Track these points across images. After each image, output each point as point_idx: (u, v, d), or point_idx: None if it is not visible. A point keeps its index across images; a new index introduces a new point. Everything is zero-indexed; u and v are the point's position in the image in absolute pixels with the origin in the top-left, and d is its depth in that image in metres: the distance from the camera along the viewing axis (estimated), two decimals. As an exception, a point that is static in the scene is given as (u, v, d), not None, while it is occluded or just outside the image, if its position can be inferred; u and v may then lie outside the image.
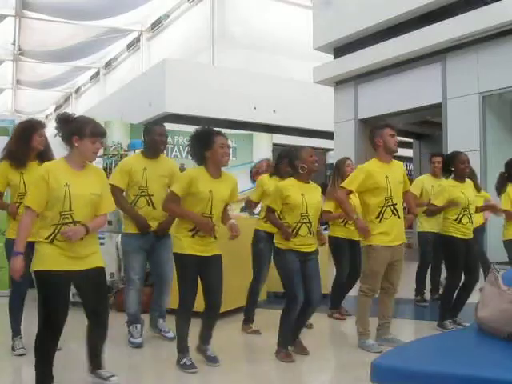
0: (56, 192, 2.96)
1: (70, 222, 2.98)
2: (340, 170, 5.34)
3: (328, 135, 13.33)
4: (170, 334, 4.36)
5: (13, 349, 3.95)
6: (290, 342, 4.02)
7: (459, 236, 4.72)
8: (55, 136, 3.19)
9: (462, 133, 9.61)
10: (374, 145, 4.25)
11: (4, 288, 6.59)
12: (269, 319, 4.97)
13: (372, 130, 4.34)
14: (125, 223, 4.48)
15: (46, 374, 3.01)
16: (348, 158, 5.53)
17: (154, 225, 4.27)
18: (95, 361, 3.26)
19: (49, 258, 2.97)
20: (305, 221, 3.93)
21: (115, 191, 4.04)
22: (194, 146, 3.76)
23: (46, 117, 31.80)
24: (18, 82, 25.26)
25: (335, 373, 3.96)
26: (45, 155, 3.96)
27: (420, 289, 6.15)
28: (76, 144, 3.04)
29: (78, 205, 3.00)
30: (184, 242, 3.66)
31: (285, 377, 3.78)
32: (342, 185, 4.32)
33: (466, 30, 9.21)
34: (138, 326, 4.32)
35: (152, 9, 19.05)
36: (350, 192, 4.24)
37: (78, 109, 28.57)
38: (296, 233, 3.92)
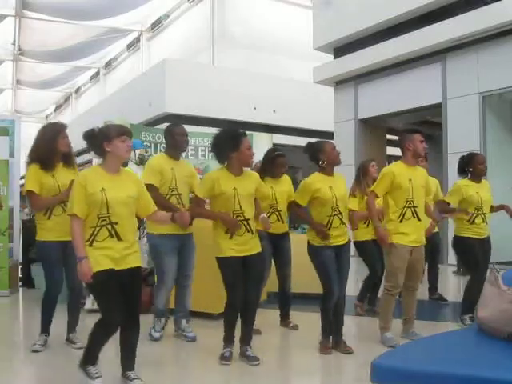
0: (93, 197, 3.11)
1: (108, 224, 3.13)
2: (366, 170, 5.50)
3: (328, 135, 13.30)
4: (192, 335, 4.42)
5: (34, 343, 4.11)
6: (329, 336, 4.11)
7: (473, 236, 4.82)
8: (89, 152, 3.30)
9: (461, 133, 9.61)
10: (404, 148, 4.36)
11: (4, 288, 6.61)
12: (269, 319, 4.98)
13: (403, 135, 4.45)
14: (156, 224, 4.43)
15: (93, 358, 3.20)
16: (373, 160, 5.67)
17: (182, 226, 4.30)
18: (128, 362, 3.29)
19: (91, 261, 3.08)
20: (336, 213, 4.03)
21: (152, 190, 4.05)
22: (220, 146, 3.81)
23: (46, 117, 31.85)
24: (18, 82, 25.27)
25: (335, 373, 3.96)
26: (69, 157, 4.13)
27: (433, 287, 6.21)
28: (108, 149, 3.18)
29: (115, 207, 3.13)
30: (223, 245, 3.74)
31: (284, 376, 3.78)
32: (371, 189, 4.42)
33: (466, 30, 9.21)
34: (163, 319, 4.46)
35: (152, 9, 19.06)
36: (378, 196, 4.35)
37: (78, 109, 28.63)
38: (330, 226, 4.01)
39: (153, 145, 8.08)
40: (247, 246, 3.78)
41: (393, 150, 13.02)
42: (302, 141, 15.91)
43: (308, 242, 4.15)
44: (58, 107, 32.57)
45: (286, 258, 4.89)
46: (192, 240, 4.42)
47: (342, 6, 11.74)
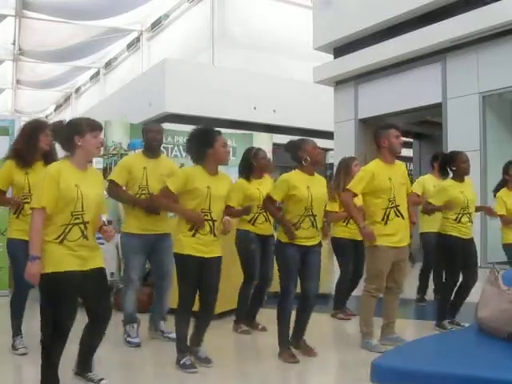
0: (67, 192, 2.96)
1: (81, 223, 3.00)
2: (348, 169, 5.25)
3: (328, 135, 13.32)
4: (173, 335, 4.32)
5: (14, 348, 3.95)
6: (290, 341, 4.00)
7: (458, 235, 4.71)
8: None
9: (461, 133, 9.61)
10: (379, 145, 4.22)
11: (4, 288, 6.60)
12: (269, 319, 4.97)
13: (377, 131, 4.31)
14: (125, 222, 4.45)
15: (51, 377, 3.00)
16: (355, 158, 5.51)
17: (154, 223, 4.24)
18: (86, 363, 3.22)
19: (58, 259, 2.94)
20: (308, 214, 3.92)
21: (114, 186, 4.18)
22: (195, 143, 3.75)
23: (46, 117, 31.78)
24: (18, 81, 25.25)
25: (335, 373, 3.96)
26: (50, 155, 3.98)
27: (422, 288, 6.16)
28: (79, 143, 3.03)
29: (88, 205, 3.03)
30: (184, 242, 3.63)
31: (284, 377, 3.78)
32: (347, 187, 4.28)
33: (465, 30, 9.20)
34: (135, 325, 4.30)
35: (152, 9, 19.06)
36: (356, 195, 4.23)
37: (78, 109, 28.61)
38: (298, 226, 3.90)
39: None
40: (208, 247, 3.66)
41: (393, 150, 13.04)
42: (301, 141, 15.98)
43: (276, 238, 4.09)
44: (58, 107, 32.55)
45: (271, 260, 4.75)
46: (167, 239, 4.26)
47: (342, 6, 11.73)
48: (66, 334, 2.98)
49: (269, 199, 4.05)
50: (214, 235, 3.69)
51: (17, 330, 4.01)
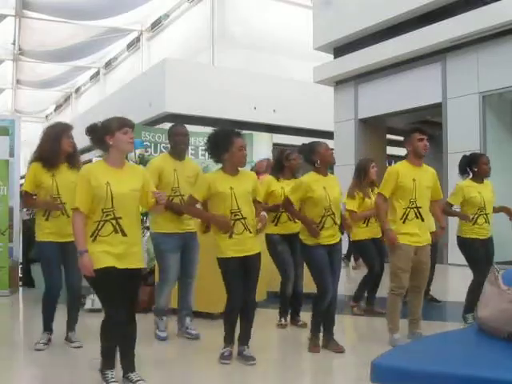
0: (97, 190, 3.09)
1: (112, 219, 3.11)
2: (365, 171, 5.45)
3: (328, 135, 13.31)
4: (195, 332, 4.46)
5: (37, 342, 4.14)
6: (319, 331, 4.14)
7: (476, 237, 4.83)
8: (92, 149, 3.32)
9: (461, 133, 9.61)
10: (407, 149, 4.36)
11: (4, 288, 6.61)
12: (268, 319, 4.98)
13: (404, 137, 4.45)
14: (156, 223, 4.47)
15: (107, 358, 3.17)
16: (373, 160, 5.63)
17: (184, 221, 4.34)
18: (125, 363, 3.26)
19: (95, 257, 3.07)
20: (329, 213, 4.05)
21: None
22: (213, 148, 3.84)
23: (46, 117, 31.85)
24: (18, 81, 25.26)
25: (335, 373, 3.96)
26: (73, 157, 4.15)
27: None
28: (110, 142, 3.17)
29: (119, 202, 3.12)
30: (222, 246, 3.75)
31: (284, 376, 3.78)
32: (379, 190, 4.37)
33: (465, 30, 9.21)
34: (164, 318, 4.48)
35: (152, 9, 19.05)
36: (387, 198, 4.31)
37: (78, 109, 28.62)
38: (322, 226, 4.02)
39: (153, 145, 8.08)
40: (246, 245, 3.77)
41: (393, 150, 13.04)
42: (302, 141, 15.89)
43: (300, 242, 4.16)
44: (58, 107, 32.55)
45: (299, 258, 4.82)
46: (195, 239, 4.44)
47: (342, 6, 11.73)
48: (115, 323, 3.09)
49: (288, 201, 4.19)
50: (250, 232, 3.79)
51: (45, 326, 4.19)
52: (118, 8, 17.59)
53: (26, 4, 17.59)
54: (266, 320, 4.90)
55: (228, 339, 3.85)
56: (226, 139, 3.76)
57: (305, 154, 4.19)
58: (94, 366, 3.32)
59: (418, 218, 4.19)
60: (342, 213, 4.37)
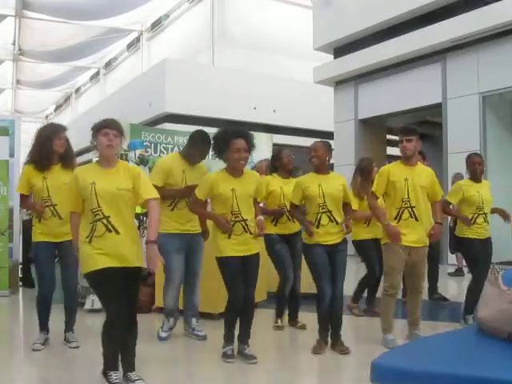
0: (84, 191, 3.12)
1: (102, 218, 3.10)
2: (369, 171, 5.44)
3: (328, 135, 13.32)
4: (202, 333, 4.46)
5: (34, 342, 4.15)
6: (325, 333, 4.11)
7: (475, 237, 4.82)
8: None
9: (462, 133, 9.61)
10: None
11: (4, 288, 6.61)
12: (268, 319, 4.98)
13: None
14: (162, 223, 4.43)
15: (109, 359, 3.15)
16: (373, 161, 5.63)
17: (190, 225, 4.34)
18: (126, 362, 3.26)
19: (89, 259, 3.09)
20: (324, 210, 4.05)
21: (157, 189, 4.17)
22: (214, 147, 3.88)
23: (46, 117, 31.87)
24: (18, 82, 25.28)
25: (335, 373, 3.95)
26: (67, 158, 4.13)
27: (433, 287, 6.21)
28: (94, 143, 3.20)
29: (105, 200, 3.11)
30: (222, 245, 3.76)
31: (285, 376, 3.77)
32: (372, 190, 4.36)
33: (466, 30, 9.21)
34: (171, 319, 4.47)
35: (152, 9, 19.06)
36: (377, 197, 4.34)
37: (78, 109, 28.64)
38: (318, 223, 4.03)
39: (153, 145, 8.08)
40: (246, 246, 3.78)
41: (393, 150, 13.03)
42: (302, 141, 15.97)
43: (302, 240, 4.22)
44: (58, 107, 32.58)
45: (297, 259, 4.84)
46: (200, 239, 4.43)
47: (342, 6, 11.74)
48: (118, 323, 3.08)
49: (292, 206, 4.24)
50: (250, 233, 3.80)
51: (41, 326, 4.20)
52: (118, 8, 17.61)
53: (25, 4, 17.60)
54: (266, 320, 4.90)
55: (228, 338, 3.86)
56: (224, 139, 3.75)
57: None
58: (93, 366, 3.31)
59: (412, 217, 4.16)
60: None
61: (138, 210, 6.30)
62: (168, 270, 4.40)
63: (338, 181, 4.20)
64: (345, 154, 11.68)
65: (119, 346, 3.19)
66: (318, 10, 12.76)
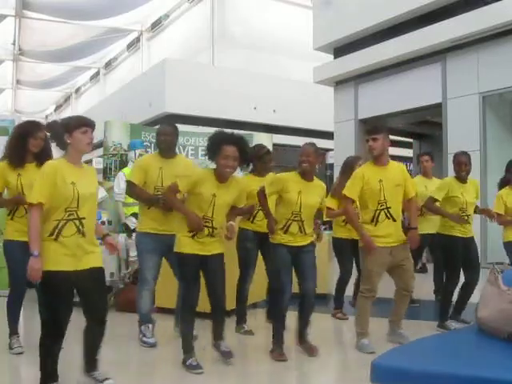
0: (64, 189, 3.00)
1: (75, 219, 3.04)
2: (352, 169, 5.14)
3: (328, 135, 13.34)
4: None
5: (10, 347, 3.97)
6: (281, 340, 3.99)
7: (458, 235, 4.74)
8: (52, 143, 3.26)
9: (461, 133, 9.61)
10: None
11: (4, 288, 6.60)
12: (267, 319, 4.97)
13: None
14: (141, 222, 4.41)
15: (50, 374, 3.03)
16: (360, 158, 5.47)
17: (169, 223, 4.18)
18: (91, 362, 3.23)
19: (54, 258, 2.98)
20: (296, 219, 3.94)
21: (132, 186, 4.25)
22: (207, 150, 3.77)
23: (46, 117, 31.82)
24: (18, 82, 25.28)
25: (335, 373, 3.96)
26: (43, 156, 3.95)
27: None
28: (69, 141, 3.09)
29: (83, 202, 3.07)
30: (183, 241, 3.68)
31: (284, 377, 3.78)
32: (344, 192, 4.22)
33: (466, 30, 9.21)
34: (150, 325, 4.32)
35: (152, 9, 19.07)
36: (353, 201, 4.24)
37: (78, 109, 28.61)
38: (286, 230, 3.94)
39: (153, 145, 8.08)
40: (207, 246, 3.70)
41: (393, 150, 13.03)
42: (302, 141, 15.93)
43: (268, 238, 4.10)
44: (58, 107, 32.56)
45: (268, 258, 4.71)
46: None
47: (342, 6, 11.73)
48: (62, 333, 3.01)
49: (262, 192, 4.05)
50: (211, 236, 3.71)
51: (13, 330, 4.03)
52: (118, 8, 17.61)
53: (26, 4, 17.60)
54: (265, 320, 4.90)
55: (189, 347, 3.69)
56: (215, 144, 3.67)
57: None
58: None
59: (389, 218, 4.09)
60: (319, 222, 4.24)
61: (137, 210, 6.30)
62: (141, 270, 4.34)
63: (318, 192, 4.07)
64: (345, 154, 11.55)
65: (84, 347, 3.18)
66: (318, 10, 12.75)
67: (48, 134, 3.21)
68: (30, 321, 4.36)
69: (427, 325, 4.89)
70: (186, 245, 3.67)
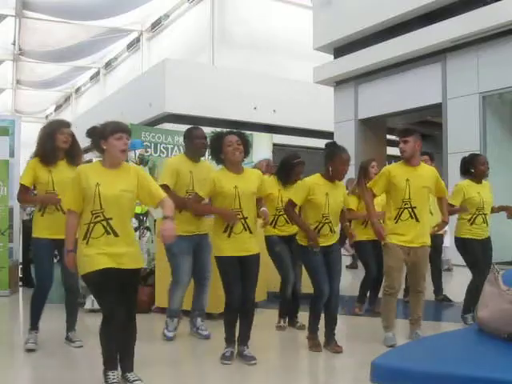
0: (87, 191, 3.08)
1: (102, 220, 3.07)
2: (365, 171, 5.42)
3: (328, 135, 13.32)
4: (206, 333, 4.45)
5: (26, 342, 4.10)
6: (316, 330, 4.12)
7: (473, 237, 4.83)
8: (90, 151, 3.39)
9: (461, 133, 9.61)
10: None
11: (4, 288, 6.61)
12: (268, 319, 4.97)
13: None
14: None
15: (108, 359, 3.12)
16: (373, 160, 5.60)
17: (197, 226, 4.33)
18: (127, 364, 3.25)
19: (87, 261, 3.07)
20: (326, 221, 4.02)
21: (166, 190, 4.13)
22: (211, 151, 3.89)
23: (46, 117, 31.85)
24: (18, 81, 25.29)
25: (335, 373, 3.95)
26: (72, 153, 4.14)
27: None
28: (104, 147, 3.14)
29: (109, 203, 3.08)
30: (221, 245, 3.75)
31: (285, 377, 3.77)
32: (369, 185, 4.37)
33: (466, 30, 9.21)
34: (175, 319, 4.47)
35: (152, 9, 19.08)
36: (375, 195, 4.33)
37: (78, 109, 28.63)
38: (318, 232, 4.01)
39: (153, 145, 8.07)
40: (245, 245, 3.76)
41: (393, 150, 13.04)
42: (302, 141, 15.96)
43: (296, 242, 4.15)
44: (58, 107, 32.58)
45: (296, 259, 4.81)
46: (208, 240, 4.40)
47: (342, 6, 11.74)
48: (114, 324, 3.06)
49: (290, 203, 4.10)
50: (250, 232, 3.78)
51: (34, 325, 4.14)
52: (117, 8, 17.62)
53: (26, 4, 17.61)
54: (266, 320, 4.90)
55: (229, 340, 3.85)
56: (217, 141, 3.80)
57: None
58: (94, 366, 3.31)
59: (412, 218, 4.16)
60: (345, 223, 4.36)
61: (138, 210, 6.30)
62: (176, 271, 4.41)
63: (342, 192, 4.17)
64: (345, 154, 11.66)
65: (117, 346, 3.17)
66: (317, 10, 12.76)
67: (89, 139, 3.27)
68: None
69: (427, 325, 4.89)
70: (224, 248, 3.73)
